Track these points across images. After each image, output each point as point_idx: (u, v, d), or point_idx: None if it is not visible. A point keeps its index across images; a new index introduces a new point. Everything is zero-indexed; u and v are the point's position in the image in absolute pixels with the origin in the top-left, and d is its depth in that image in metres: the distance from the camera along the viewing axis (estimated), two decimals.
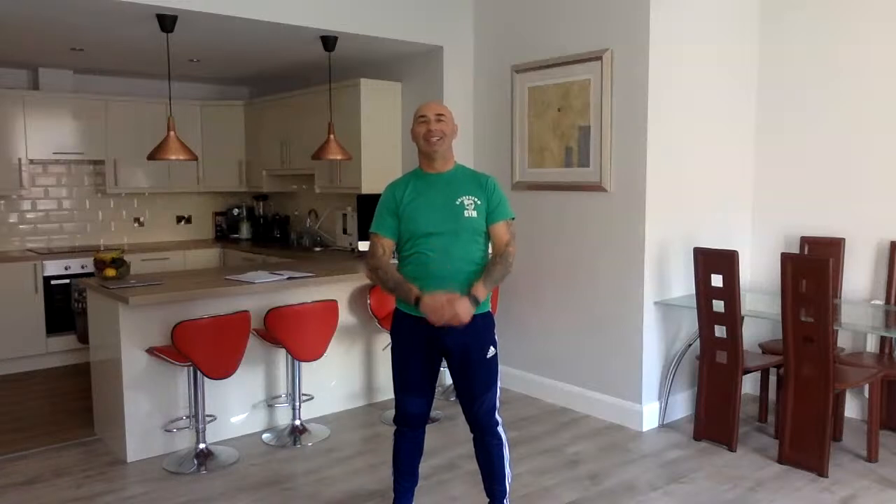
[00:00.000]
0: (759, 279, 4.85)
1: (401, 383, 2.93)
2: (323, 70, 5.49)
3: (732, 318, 3.92)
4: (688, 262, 4.22)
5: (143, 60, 5.74)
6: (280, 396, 4.41)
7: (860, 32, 4.32)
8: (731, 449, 3.95)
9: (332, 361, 4.52)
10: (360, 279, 4.63)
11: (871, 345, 4.35)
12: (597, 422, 4.44)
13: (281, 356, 4.36)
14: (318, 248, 6.30)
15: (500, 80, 5.04)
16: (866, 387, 4.12)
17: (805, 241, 4.57)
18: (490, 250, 2.89)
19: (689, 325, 4.41)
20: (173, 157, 4.44)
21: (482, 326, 2.82)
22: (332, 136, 5.06)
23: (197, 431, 3.91)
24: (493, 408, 2.90)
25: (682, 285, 4.39)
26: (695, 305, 4.08)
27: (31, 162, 6.15)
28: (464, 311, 2.69)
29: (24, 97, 5.94)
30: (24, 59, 5.82)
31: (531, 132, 4.82)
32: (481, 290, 2.75)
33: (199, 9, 4.06)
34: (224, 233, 7.36)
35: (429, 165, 2.89)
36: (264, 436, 4.23)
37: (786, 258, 3.69)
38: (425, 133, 2.81)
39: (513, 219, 2.91)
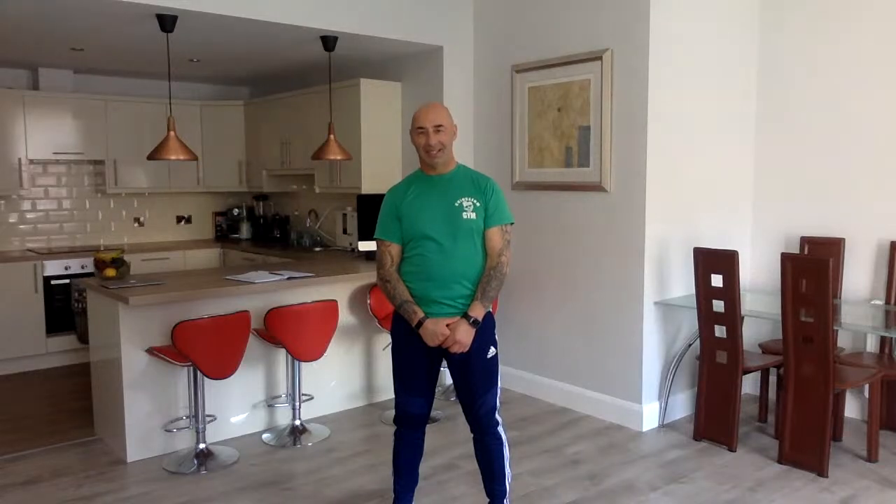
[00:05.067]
0: (759, 279, 4.86)
1: (401, 384, 2.93)
2: (323, 70, 5.49)
3: (732, 318, 3.92)
4: (688, 262, 4.22)
5: (143, 60, 5.74)
6: (280, 396, 4.41)
7: (860, 32, 4.32)
8: (731, 449, 3.95)
9: (332, 361, 4.52)
10: (360, 279, 4.63)
11: (871, 345, 4.35)
12: (597, 422, 4.44)
13: (281, 356, 4.36)
14: (318, 248, 6.30)
15: (500, 80, 5.04)
16: (866, 387, 4.12)
17: (805, 241, 4.57)
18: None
19: (689, 325, 4.41)
20: (173, 157, 4.45)
21: (482, 327, 2.82)
22: (332, 136, 5.06)
23: (197, 431, 3.91)
24: (494, 408, 2.90)
25: (682, 285, 4.39)
26: (695, 305, 4.08)
27: (31, 162, 6.15)
28: (464, 335, 2.75)
29: (24, 97, 5.94)
30: (24, 59, 5.82)
31: (531, 132, 4.82)
32: (479, 310, 2.79)
33: (199, 9, 4.06)
34: (224, 233, 7.36)
35: (429, 168, 2.90)
36: (264, 436, 4.23)
37: (786, 258, 3.69)
38: (424, 145, 2.82)
39: (511, 223, 2.91)
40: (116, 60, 5.82)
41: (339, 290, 4.53)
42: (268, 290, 4.18)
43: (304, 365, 4.26)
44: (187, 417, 3.99)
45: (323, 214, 6.56)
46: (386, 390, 4.83)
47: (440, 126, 2.81)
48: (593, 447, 4.04)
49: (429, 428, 3.07)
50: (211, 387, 3.99)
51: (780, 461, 3.77)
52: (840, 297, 4.39)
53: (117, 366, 3.86)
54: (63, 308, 5.88)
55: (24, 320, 5.72)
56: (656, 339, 4.34)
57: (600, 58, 4.30)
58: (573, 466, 3.78)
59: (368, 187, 5.43)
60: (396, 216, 2.86)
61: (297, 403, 4.25)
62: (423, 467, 3.14)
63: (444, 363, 2.92)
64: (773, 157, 4.76)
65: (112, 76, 6.62)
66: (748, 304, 4.31)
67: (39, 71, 6.17)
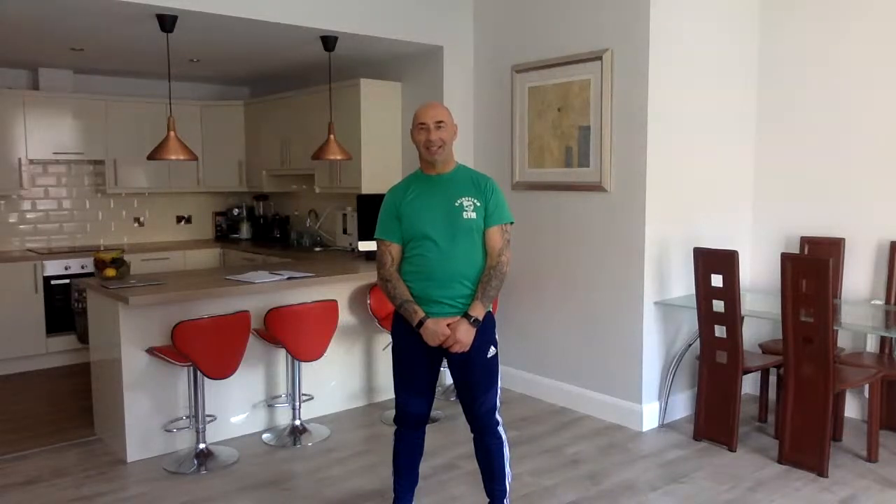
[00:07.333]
0: (759, 279, 4.85)
1: (401, 383, 2.93)
2: (323, 70, 5.49)
3: (732, 318, 3.92)
4: (688, 262, 4.22)
5: (143, 60, 5.74)
6: (280, 396, 4.41)
7: (860, 32, 4.32)
8: (731, 449, 3.95)
9: (332, 361, 4.52)
10: (360, 279, 4.63)
11: (871, 345, 4.35)
12: (597, 422, 4.44)
13: (281, 356, 4.36)
14: (318, 248, 6.30)
15: (500, 80, 5.04)
16: (866, 387, 4.12)
17: (805, 241, 4.57)
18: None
19: (689, 325, 4.41)
20: (173, 157, 4.45)
21: (483, 326, 2.82)
22: (332, 136, 5.06)
23: (197, 431, 3.91)
24: (494, 408, 2.90)
25: (682, 285, 4.39)
26: (695, 305, 4.08)
27: (31, 162, 6.15)
28: (465, 335, 2.75)
29: (24, 97, 5.94)
30: (24, 59, 5.82)
31: (531, 132, 4.82)
32: (480, 309, 2.79)
33: (199, 9, 4.06)
34: (224, 233, 7.36)
35: (429, 167, 2.90)
36: (264, 436, 4.23)
37: (786, 258, 3.69)
38: (425, 142, 2.82)
39: (511, 223, 2.91)
40: (116, 60, 5.82)
41: (339, 290, 4.53)
42: (268, 290, 4.18)
43: (304, 365, 4.26)
44: (187, 417, 3.99)
45: (323, 214, 6.56)
46: (386, 390, 4.83)
47: (441, 122, 2.81)
48: (593, 447, 4.04)
49: (429, 428, 3.07)
50: (211, 387, 3.99)
51: (780, 461, 3.77)
52: (840, 297, 4.39)
53: (117, 366, 3.86)
54: (63, 308, 5.87)
55: (24, 320, 5.72)
56: (656, 339, 4.34)
57: (600, 58, 4.30)
58: (573, 466, 3.78)
59: (368, 187, 5.43)
60: (396, 216, 2.87)
61: (297, 403, 4.25)
62: (423, 467, 3.14)
63: (445, 363, 2.92)
64: (773, 157, 4.76)
65: (112, 76, 6.62)
66: (748, 304, 4.31)
67: (39, 71, 6.17)
